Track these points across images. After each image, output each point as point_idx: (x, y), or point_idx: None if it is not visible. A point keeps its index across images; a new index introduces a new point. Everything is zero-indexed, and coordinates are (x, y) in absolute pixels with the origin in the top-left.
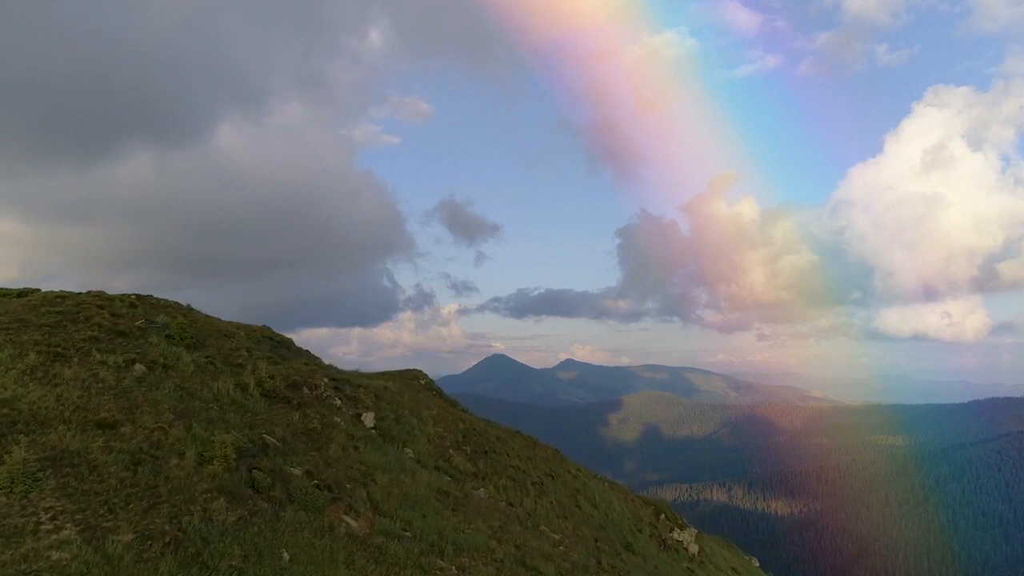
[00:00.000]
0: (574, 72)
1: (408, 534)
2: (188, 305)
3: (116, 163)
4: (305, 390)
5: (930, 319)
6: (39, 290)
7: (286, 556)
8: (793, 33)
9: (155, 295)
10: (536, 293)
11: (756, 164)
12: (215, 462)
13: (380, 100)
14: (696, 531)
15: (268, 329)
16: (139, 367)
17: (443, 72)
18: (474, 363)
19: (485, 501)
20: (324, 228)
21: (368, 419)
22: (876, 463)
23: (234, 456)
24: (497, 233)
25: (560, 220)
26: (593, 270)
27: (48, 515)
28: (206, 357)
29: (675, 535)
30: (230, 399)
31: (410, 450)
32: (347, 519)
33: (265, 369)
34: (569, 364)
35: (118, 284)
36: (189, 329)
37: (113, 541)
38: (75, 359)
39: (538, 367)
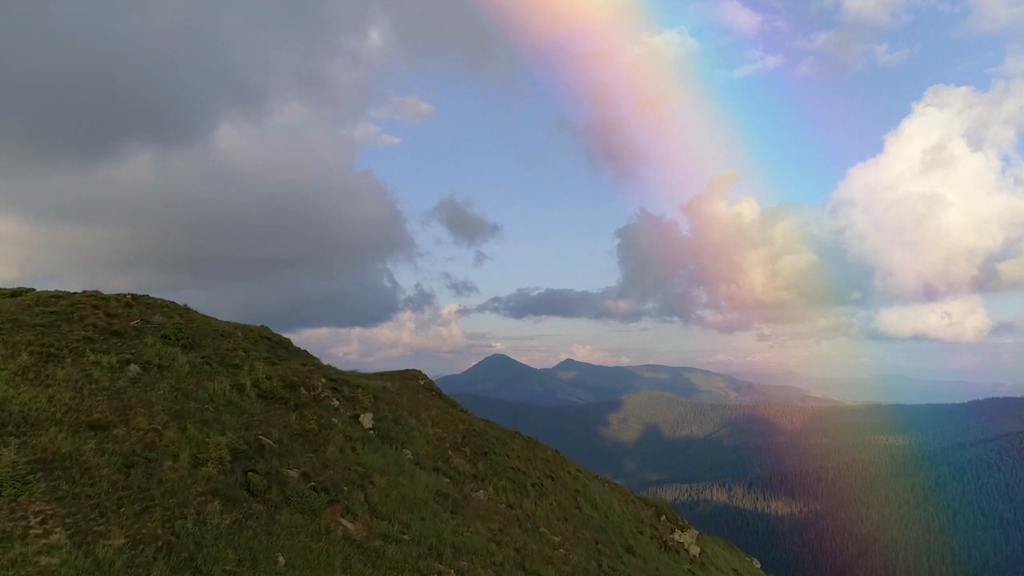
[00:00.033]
0: (574, 72)
1: (406, 537)
2: (185, 305)
3: (116, 163)
4: (302, 391)
5: (930, 319)
6: (33, 289)
7: (281, 560)
8: (793, 33)
9: (155, 295)
10: (536, 293)
11: (756, 164)
12: (210, 464)
13: (380, 100)
14: (697, 532)
15: (266, 329)
16: (134, 368)
17: (443, 72)
18: (474, 363)
19: (484, 503)
20: (324, 228)
21: (366, 420)
22: (876, 463)
23: (229, 458)
24: (497, 233)
25: (560, 220)
26: (593, 270)
27: (38, 519)
28: (202, 357)
29: (676, 537)
30: (226, 400)
31: (409, 451)
32: (344, 522)
33: (262, 369)
34: (569, 364)
35: (118, 284)
36: (185, 329)
37: (104, 546)
38: (68, 359)
39: (538, 367)
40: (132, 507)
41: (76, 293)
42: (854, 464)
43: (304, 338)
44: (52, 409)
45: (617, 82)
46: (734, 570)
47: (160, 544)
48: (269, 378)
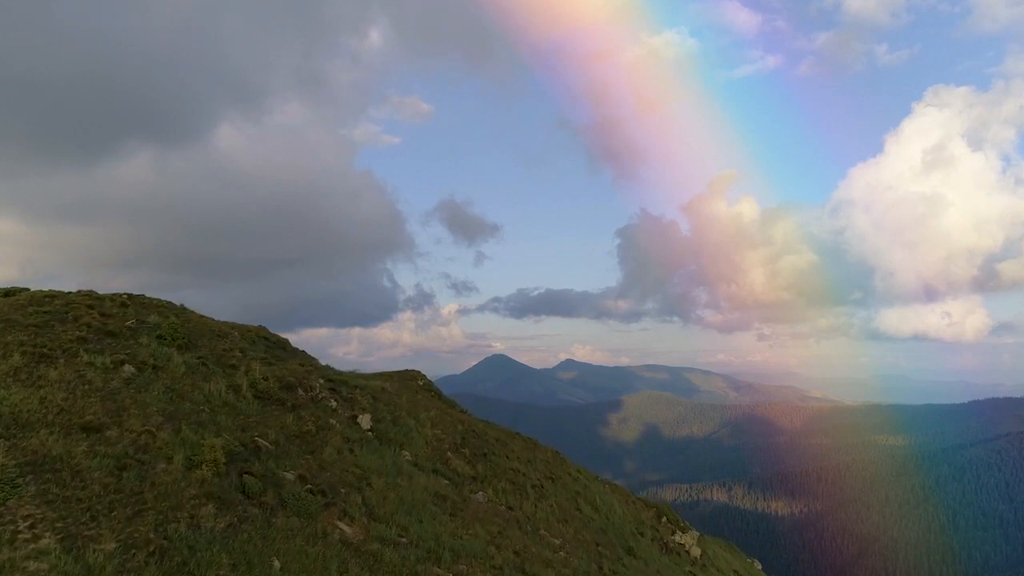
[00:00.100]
0: (574, 72)
1: (404, 540)
2: (181, 305)
3: (116, 163)
4: (300, 391)
5: (930, 319)
6: (27, 289)
7: (277, 564)
8: (793, 33)
9: (155, 295)
10: (536, 293)
11: (756, 164)
12: (204, 467)
13: (380, 100)
14: (698, 534)
15: (263, 329)
16: (128, 368)
17: (443, 72)
18: (474, 363)
19: (484, 505)
20: (324, 228)
21: (364, 421)
22: (876, 463)
23: (224, 460)
24: (497, 233)
25: (560, 220)
26: (593, 270)
27: (26, 523)
28: (198, 358)
29: (677, 538)
30: (222, 401)
31: (407, 453)
32: (341, 525)
33: (259, 370)
34: (569, 364)
35: (118, 284)
36: (181, 329)
37: (94, 550)
38: (61, 360)
39: (538, 367)
40: (124, 511)
41: (70, 293)
42: (854, 464)
43: (304, 338)
44: (44, 410)
45: (617, 82)
46: (735, 572)
47: (152, 548)
48: (266, 379)
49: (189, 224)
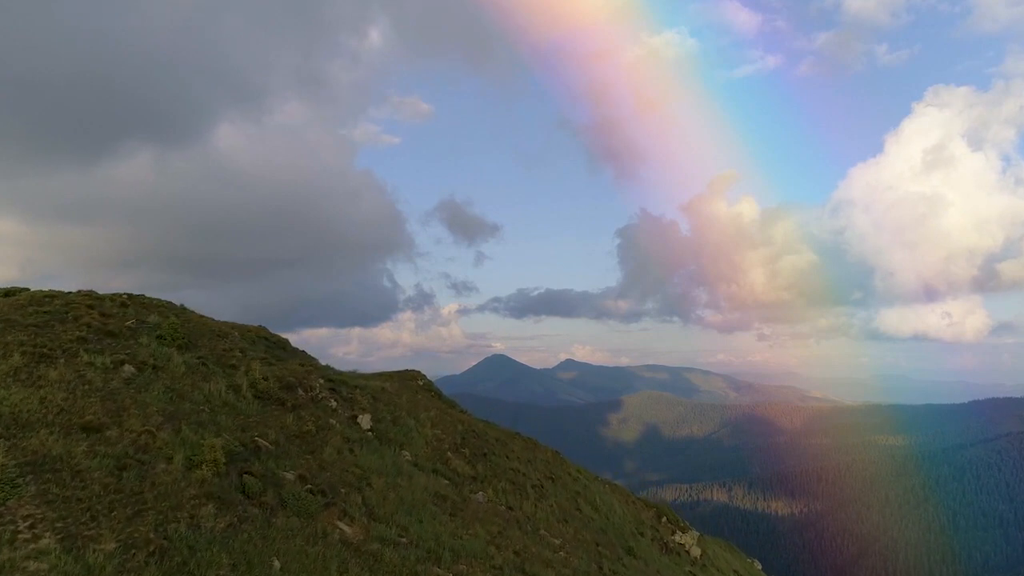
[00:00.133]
0: (574, 72)
1: (404, 540)
2: (181, 305)
3: (116, 163)
4: (300, 391)
5: (930, 319)
6: (27, 289)
7: (277, 564)
8: (793, 33)
9: (155, 295)
10: (536, 293)
11: (756, 164)
12: (204, 466)
13: (380, 100)
14: (698, 534)
15: (263, 329)
16: (128, 368)
17: (443, 72)
18: (474, 363)
19: (484, 505)
20: (324, 228)
21: (364, 421)
22: (876, 463)
23: (224, 460)
24: (497, 233)
25: (560, 220)
26: (593, 270)
27: (26, 523)
28: (198, 358)
29: (677, 538)
30: (222, 401)
31: (407, 453)
32: (341, 525)
33: (259, 370)
34: (569, 364)
35: (118, 284)
36: (181, 329)
37: (94, 550)
38: (61, 360)
39: (538, 367)
40: (124, 511)
41: (70, 293)
42: (854, 464)
43: (304, 338)
44: (44, 410)
45: (617, 82)
46: (735, 572)
47: (152, 548)
48: (266, 379)
49: (189, 224)
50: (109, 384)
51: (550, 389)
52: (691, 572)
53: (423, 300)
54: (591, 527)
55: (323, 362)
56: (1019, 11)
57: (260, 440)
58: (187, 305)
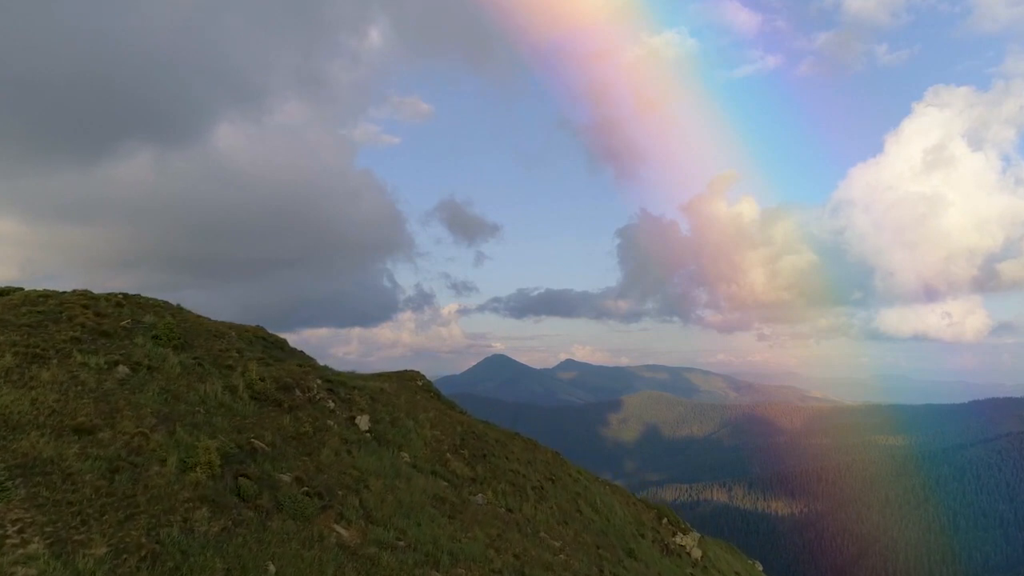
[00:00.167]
0: (574, 72)
1: (402, 544)
2: (178, 305)
3: (116, 163)
4: (297, 392)
5: (930, 319)
6: (21, 289)
7: (272, 569)
8: (793, 33)
9: (155, 295)
10: (536, 293)
11: (756, 164)
12: (198, 469)
13: (380, 100)
14: (699, 535)
15: (261, 329)
16: (122, 369)
17: (443, 72)
18: (474, 363)
19: (483, 507)
20: (324, 228)
21: (363, 422)
22: (876, 463)
23: (219, 462)
24: (497, 233)
25: (560, 220)
26: (593, 270)
27: (15, 528)
28: (194, 358)
29: (678, 540)
30: (218, 402)
31: (406, 454)
32: (338, 528)
33: (256, 371)
34: (569, 364)
35: (118, 284)
36: (177, 329)
37: (84, 555)
38: (54, 361)
39: (538, 367)
40: (115, 514)
41: (65, 292)
42: (854, 464)
43: (304, 338)
44: (35, 412)
45: (617, 82)
46: (736, 573)
47: (144, 553)
48: (263, 379)
49: (189, 224)
50: (103, 385)
51: (550, 389)
52: (692, 574)
53: (423, 300)
54: (592, 529)
55: (323, 362)
56: (1019, 11)
57: (256, 442)
58: (187, 305)
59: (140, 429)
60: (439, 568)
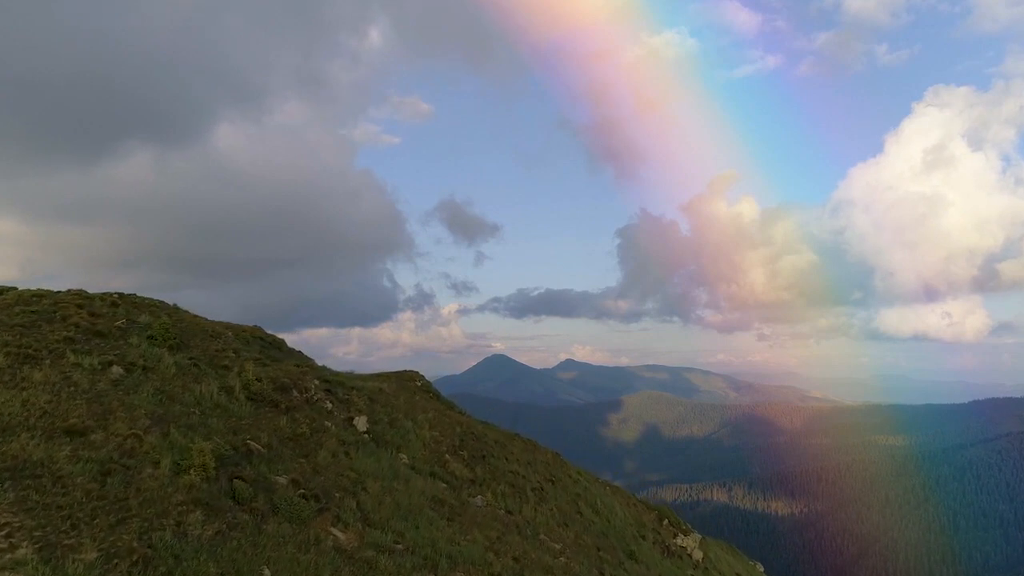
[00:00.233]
0: (574, 72)
1: (400, 547)
2: (174, 304)
3: (116, 163)
4: (294, 393)
5: (930, 319)
6: (15, 288)
7: (267, 573)
8: (793, 33)
9: (155, 295)
10: (536, 293)
11: (756, 164)
12: (192, 471)
13: (380, 100)
14: (700, 536)
15: (259, 329)
16: (116, 369)
17: (443, 72)
18: (474, 363)
19: (482, 509)
20: (324, 228)
21: (361, 423)
22: (876, 463)
23: (214, 464)
24: (497, 233)
25: (560, 220)
26: (593, 270)
27: (3, 532)
28: (190, 359)
29: (679, 541)
30: (213, 403)
31: (404, 455)
32: (335, 531)
33: (252, 371)
34: (569, 364)
35: (118, 284)
36: (173, 329)
37: (74, 560)
38: (47, 361)
39: (538, 367)
40: (107, 518)
41: (59, 292)
42: (854, 464)
43: (304, 338)
44: (26, 413)
45: (617, 82)
46: (737, 574)
47: (136, 558)
48: (260, 380)
49: (189, 224)
50: (96, 386)
51: (550, 389)
52: None
53: (423, 300)
54: (592, 531)
55: (323, 362)
56: (1019, 11)
57: (252, 443)
58: (187, 305)
59: (133, 431)
60: (437, 571)
